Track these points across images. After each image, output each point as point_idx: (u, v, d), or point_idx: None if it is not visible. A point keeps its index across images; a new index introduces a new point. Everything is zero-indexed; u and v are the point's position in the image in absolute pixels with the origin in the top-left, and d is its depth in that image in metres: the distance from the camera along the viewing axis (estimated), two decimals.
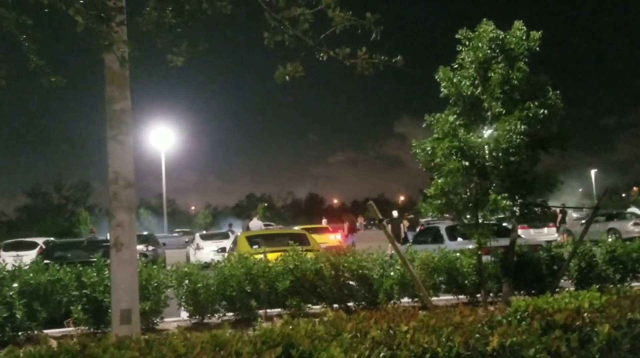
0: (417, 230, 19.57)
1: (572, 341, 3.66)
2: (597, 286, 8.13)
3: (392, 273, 8.58)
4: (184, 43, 4.09)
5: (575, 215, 22.45)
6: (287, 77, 3.96)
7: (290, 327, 3.75)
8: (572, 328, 3.78)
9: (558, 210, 21.87)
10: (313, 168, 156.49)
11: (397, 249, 7.92)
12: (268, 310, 8.32)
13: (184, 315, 8.49)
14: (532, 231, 19.66)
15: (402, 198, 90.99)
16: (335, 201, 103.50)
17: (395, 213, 22.81)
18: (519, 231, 17.81)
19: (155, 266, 8.28)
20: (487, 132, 7.50)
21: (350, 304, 8.49)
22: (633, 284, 8.82)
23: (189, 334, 3.35)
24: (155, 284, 7.97)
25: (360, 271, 8.46)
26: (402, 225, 22.11)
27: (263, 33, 3.81)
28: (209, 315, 8.25)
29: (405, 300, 8.64)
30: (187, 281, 8.18)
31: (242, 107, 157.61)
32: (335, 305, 8.28)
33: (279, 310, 8.35)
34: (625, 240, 11.86)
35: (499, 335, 3.59)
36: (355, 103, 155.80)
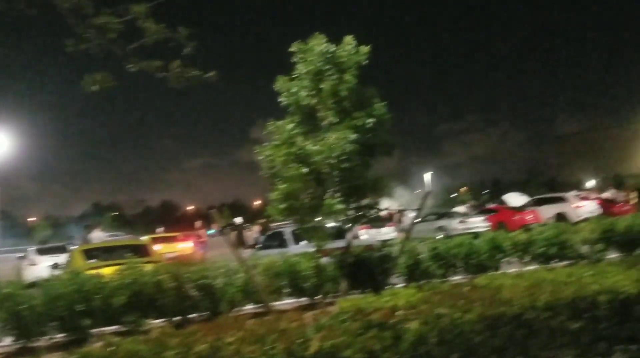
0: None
1: (386, 339, 3.88)
2: (422, 283, 8.85)
3: (236, 281, 8.56)
4: None
5: (412, 215, 24.19)
6: (96, 86, 3.78)
7: (111, 348, 3.59)
8: (386, 326, 4.01)
9: (396, 211, 23.49)
10: (168, 174, 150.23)
11: (238, 255, 7.96)
12: (104, 328, 7.84)
13: (8, 339, 7.69)
14: (373, 231, 20.81)
15: (257, 202, 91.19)
16: (191, 207, 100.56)
17: (238, 220, 22.83)
18: (362, 232, 18.87)
19: None
20: (322, 140, 7.82)
21: (194, 315, 8.30)
22: (454, 278, 9.66)
23: None
24: None
25: (202, 280, 8.32)
26: (245, 231, 22.23)
27: (64, 41, 3.59)
28: (36, 338, 7.57)
29: (249, 306, 8.67)
30: (8, 303, 7.42)
31: (89, 112, 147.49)
32: (177, 318, 8.05)
33: (115, 327, 7.91)
34: (451, 236, 13.03)
35: (320, 339, 3.74)
36: (213, 108, 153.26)
